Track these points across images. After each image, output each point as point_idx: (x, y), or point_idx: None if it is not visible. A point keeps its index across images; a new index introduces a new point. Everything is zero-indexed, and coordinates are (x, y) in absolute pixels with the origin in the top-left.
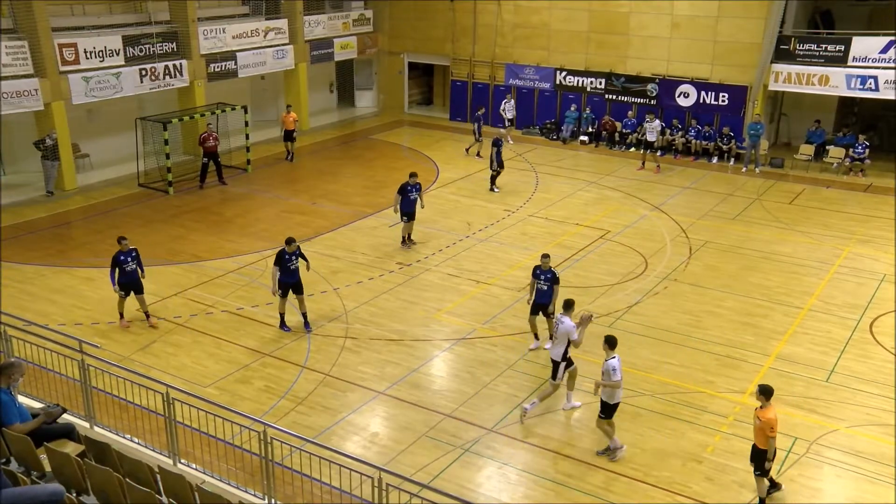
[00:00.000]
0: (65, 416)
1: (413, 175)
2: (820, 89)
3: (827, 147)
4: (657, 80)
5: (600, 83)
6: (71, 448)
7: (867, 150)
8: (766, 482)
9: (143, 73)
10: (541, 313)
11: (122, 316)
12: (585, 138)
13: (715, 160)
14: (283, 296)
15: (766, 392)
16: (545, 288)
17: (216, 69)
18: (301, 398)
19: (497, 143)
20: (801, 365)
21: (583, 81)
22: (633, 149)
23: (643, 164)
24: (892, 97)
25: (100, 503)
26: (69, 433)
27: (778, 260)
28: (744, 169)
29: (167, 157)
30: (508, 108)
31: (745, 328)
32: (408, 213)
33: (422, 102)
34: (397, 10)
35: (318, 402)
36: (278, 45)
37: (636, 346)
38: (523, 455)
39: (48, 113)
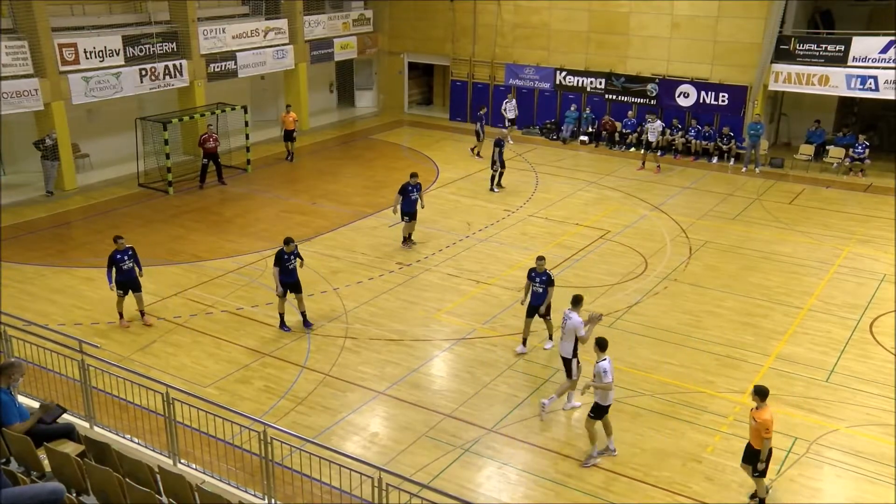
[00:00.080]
0: (65, 416)
1: (414, 175)
2: (820, 89)
3: (827, 147)
4: (657, 80)
5: (600, 83)
6: (71, 448)
7: (867, 150)
8: (765, 482)
9: (143, 73)
10: (536, 315)
11: (121, 316)
12: (585, 138)
13: (715, 160)
14: (283, 296)
15: (761, 393)
16: (540, 290)
17: (216, 69)
18: (301, 398)
19: (499, 143)
20: (801, 365)
21: (583, 81)
22: (632, 149)
23: (643, 164)
24: (892, 97)
25: (100, 503)
26: (69, 433)
27: (778, 260)
28: (744, 169)
29: (167, 157)
30: (510, 108)
31: (745, 328)
32: (409, 213)
33: (422, 102)
34: (397, 10)
35: (317, 402)
36: (278, 45)
37: (636, 346)
38: (523, 455)
39: (48, 113)
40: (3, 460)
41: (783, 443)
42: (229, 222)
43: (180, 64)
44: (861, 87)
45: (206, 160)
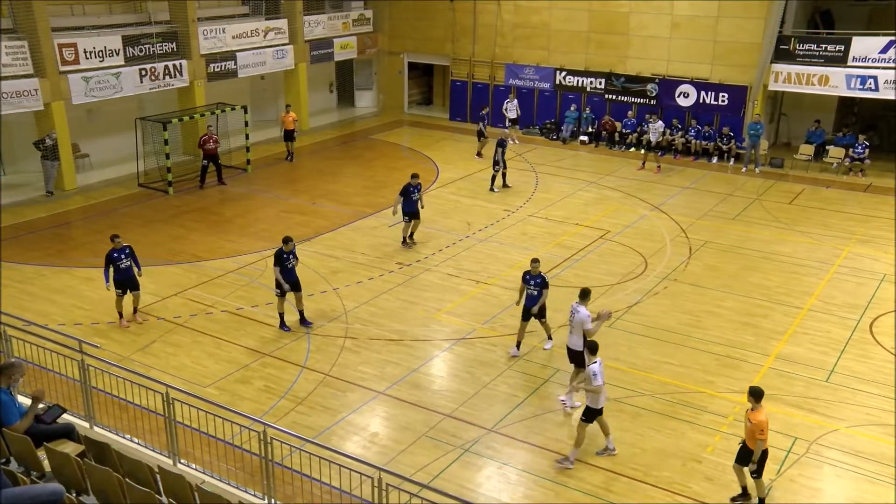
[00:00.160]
0: (65, 416)
1: (415, 176)
2: (820, 89)
3: (827, 147)
4: (657, 80)
5: (600, 83)
6: (71, 448)
7: (867, 150)
8: (764, 482)
9: (143, 73)
10: (532, 318)
11: (121, 316)
12: (585, 138)
13: (715, 160)
14: (282, 295)
15: (756, 394)
16: (535, 293)
17: (216, 69)
18: (301, 398)
19: (502, 144)
20: (801, 365)
21: (583, 81)
22: (632, 149)
23: (644, 164)
24: (892, 97)
25: (99, 503)
26: (69, 433)
27: (778, 260)
28: (744, 169)
29: (167, 157)
30: (511, 108)
31: (745, 328)
32: (411, 213)
33: (422, 102)
34: (397, 10)
35: (317, 402)
36: (278, 45)
37: (636, 346)
38: (523, 455)
39: (48, 113)
40: (3, 460)
41: (783, 443)
42: (229, 222)
43: (180, 64)
44: (861, 87)
45: (206, 161)
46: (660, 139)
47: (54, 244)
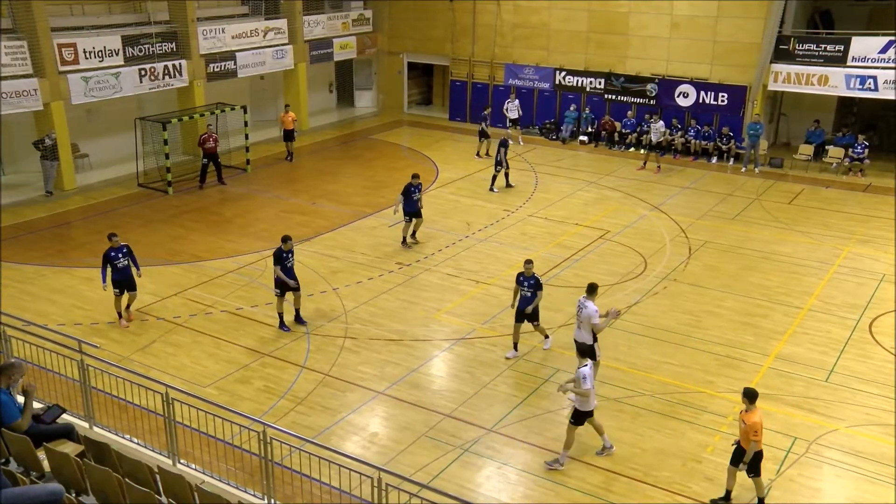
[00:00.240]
0: (64, 416)
1: (415, 176)
2: (819, 89)
3: (826, 147)
4: (657, 80)
5: (600, 83)
6: (70, 448)
7: (866, 150)
8: (763, 482)
9: (143, 73)
10: (526, 321)
11: (120, 316)
12: (585, 138)
13: (714, 160)
14: (282, 295)
15: (750, 396)
16: (529, 294)
17: (215, 69)
18: (300, 398)
19: (504, 144)
20: (801, 365)
21: (582, 81)
22: (632, 149)
23: (644, 164)
24: (892, 97)
25: (99, 503)
26: (69, 433)
27: (778, 260)
28: (743, 169)
29: (167, 157)
30: (512, 108)
31: (745, 328)
32: (412, 212)
33: (421, 102)
34: (397, 10)
35: (317, 402)
36: (278, 45)
37: (636, 346)
38: (523, 455)
39: (47, 113)
40: (3, 460)
41: (783, 443)
42: (229, 222)
43: (180, 64)
44: (860, 87)
45: (205, 160)
46: (661, 139)
47: (54, 244)
